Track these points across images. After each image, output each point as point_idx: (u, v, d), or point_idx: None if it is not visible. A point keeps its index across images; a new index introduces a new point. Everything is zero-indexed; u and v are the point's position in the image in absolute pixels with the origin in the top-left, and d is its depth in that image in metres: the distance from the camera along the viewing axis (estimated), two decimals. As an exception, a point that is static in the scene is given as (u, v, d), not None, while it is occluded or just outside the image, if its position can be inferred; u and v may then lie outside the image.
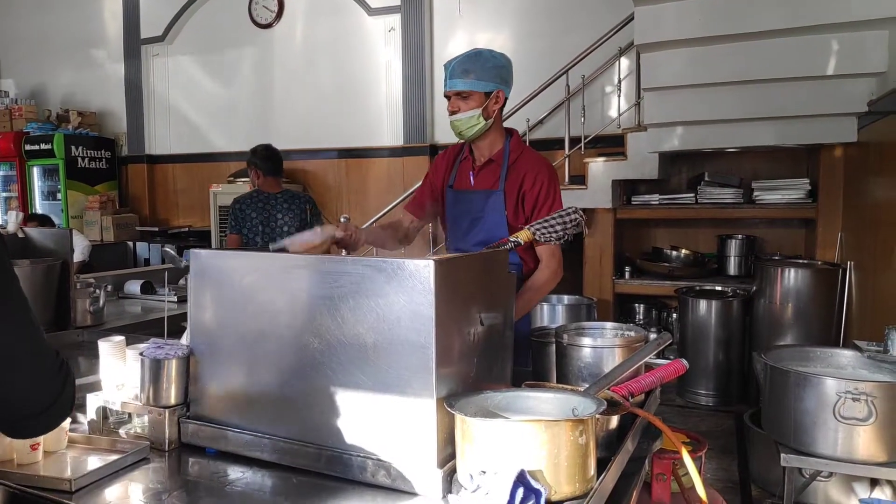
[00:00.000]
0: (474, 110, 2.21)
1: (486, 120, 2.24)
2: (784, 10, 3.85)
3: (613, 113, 5.27)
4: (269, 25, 6.91)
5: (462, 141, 2.37)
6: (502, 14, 5.99)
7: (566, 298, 4.68)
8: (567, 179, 5.08)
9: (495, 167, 2.31)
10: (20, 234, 2.60)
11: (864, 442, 2.11)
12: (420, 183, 2.62)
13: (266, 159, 3.97)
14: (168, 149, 7.62)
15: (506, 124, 5.62)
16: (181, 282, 3.73)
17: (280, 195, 4.00)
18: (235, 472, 1.39)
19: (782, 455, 2.30)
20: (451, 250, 2.36)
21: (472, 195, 2.33)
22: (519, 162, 2.30)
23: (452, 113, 2.23)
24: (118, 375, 1.60)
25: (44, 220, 5.60)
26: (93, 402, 1.59)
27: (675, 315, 4.97)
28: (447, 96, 2.25)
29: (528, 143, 5.18)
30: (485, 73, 2.20)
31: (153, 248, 6.96)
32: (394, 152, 6.35)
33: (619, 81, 5.15)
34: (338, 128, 6.69)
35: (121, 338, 1.64)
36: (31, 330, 1.04)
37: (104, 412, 1.59)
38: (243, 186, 6.46)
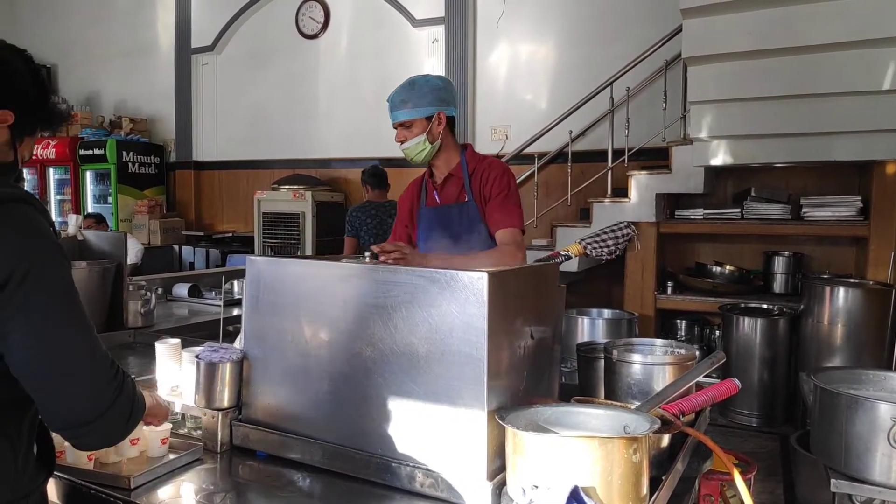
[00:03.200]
0: (418, 137, 2.32)
1: (431, 143, 2.34)
2: (838, 23, 3.77)
3: (658, 125, 5.21)
4: (314, 36, 7.03)
5: (420, 166, 2.52)
6: (545, 25, 5.99)
7: (606, 313, 4.62)
8: (610, 192, 5.03)
9: (456, 180, 2.42)
10: (79, 237, 2.69)
11: (921, 470, 2.03)
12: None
13: (373, 176, 4.92)
14: (214, 155, 7.81)
15: (549, 136, 5.63)
16: (227, 286, 3.80)
17: (387, 203, 4.83)
18: (285, 476, 1.41)
19: (832, 481, 2.23)
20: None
21: (445, 209, 2.42)
22: (477, 170, 2.40)
23: (400, 142, 2.35)
24: (173, 377, 1.65)
25: (100, 219, 5.91)
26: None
27: (718, 332, 4.86)
28: (395, 127, 2.36)
29: (570, 156, 5.24)
30: (421, 99, 2.31)
31: (198, 252, 7.12)
32: (434, 162, 6.39)
33: (665, 94, 5.09)
34: (379, 137, 6.73)
35: (176, 340, 1.69)
36: (86, 337, 1.05)
37: (159, 412, 1.63)
38: (287, 193, 6.59)
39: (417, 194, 2.55)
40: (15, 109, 1.13)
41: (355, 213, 4.78)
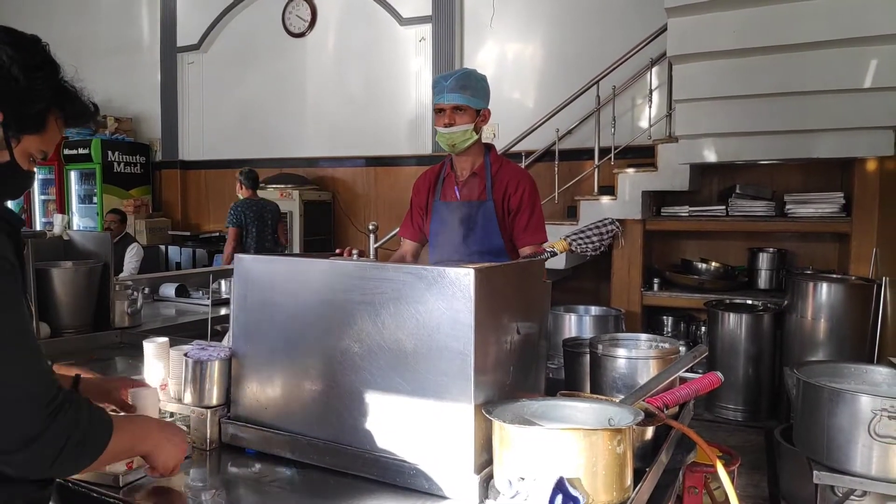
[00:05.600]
0: (468, 125, 2.37)
1: (475, 134, 2.40)
2: (821, 22, 3.82)
3: (644, 124, 5.25)
4: (301, 34, 7.02)
5: (443, 159, 2.55)
6: (532, 24, 6.02)
7: (593, 309, 4.64)
8: (596, 190, 5.07)
9: (479, 180, 2.47)
10: (65, 237, 2.68)
11: (901, 461, 2.07)
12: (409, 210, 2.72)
13: (249, 178, 5.77)
14: (201, 155, 7.78)
15: (536, 134, 5.67)
16: (214, 285, 3.79)
17: (262, 201, 5.84)
18: (274, 473, 1.42)
19: (815, 472, 2.27)
20: (442, 261, 2.44)
21: (463, 206, 2.46)
22: (501, 173, 2.46)
23: (448, 125, 2.36)
24: (162, 375, 1.65)
25: (124, 218, 6.17)
26: (137, 400, 1.63)
27: (703, 328, 4.92)
28: (441, 109, 2.37)
29: (557, 154, 5.27)
30: (478, 91, 2.39)
31: (184, 252, 7.09)
32: (421, 161, 6.40)
33: (651, 92, 5.14)
34: (367, 136, 6.76)
35: (164, 339, 1.69)
36: (9, 356, 0.95)
37: (147, 411, 1.63)
38: (274, 192, 6.58)
39: (434, 186, 2.57)
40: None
41: (241, 208, 5.64)
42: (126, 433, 1.15)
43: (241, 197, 5.75)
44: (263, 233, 5.68)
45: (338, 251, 1.85)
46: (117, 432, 1.09)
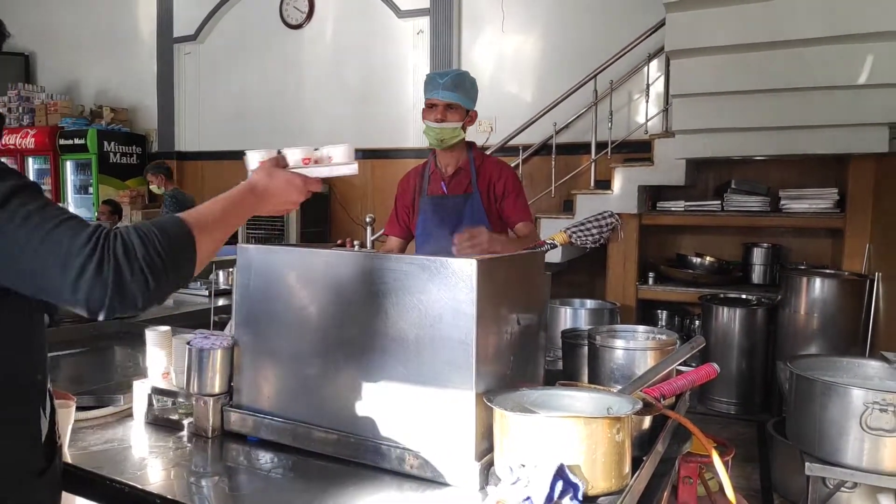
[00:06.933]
0: (457, 123, 2.47)
1: (462, 133, 2.51)
2: (818, 19, 3.84)
3: (641, 118, 5.28)
4: (299, 26, 7.00)
5: (426, 158, 2.68)
6: (531, 18, 6.01)
7: (589, 303, 4.68)
8: (593, 184, 5.09)
9: (464, 174, 2.57)
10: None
11: (891, 453, 2.11)
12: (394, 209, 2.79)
13: (167, 170, 6.32)
14: (197, 146, 7.75)
15: (533, 128, 5.69)
16: (211, 276, 3.80)
17: (183, 191, 6.46)
18: (276, 460, 1.44)
19: (806, 464, 2.31)
20: (434, 253, 2.51)
21: (451, 200, 2.57)
22: (483, 166, 2.58)
23: (439, 121, 2.45)
24: (164, 364, 1.66)
25: (116, 208, 6.36)
26: (139, 388, 1.65)
27: (697, 322, 4.95)
28: (433, 105, 2.46)
29: (554, 148, 5.28)
30: (468, 92, 2.50)
31: (180, 243, 7.08)
32: (419, 154, 6.40)
33: (648, 87, 5.16)
34: (364, 128, 6.76)
35: (167, 328, 1.70)
36: (33, 216, 0.93)
37: (150, 399, 1.65)
38: (270, 184, 6.57)
39: (419, 184, 2.66)
40: None
41: (178, 196, 6.13)
42: (220, 225, 1.12)
43: (166, 190, 6.16)
44: None
45: (339, 242, 1.87)
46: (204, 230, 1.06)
